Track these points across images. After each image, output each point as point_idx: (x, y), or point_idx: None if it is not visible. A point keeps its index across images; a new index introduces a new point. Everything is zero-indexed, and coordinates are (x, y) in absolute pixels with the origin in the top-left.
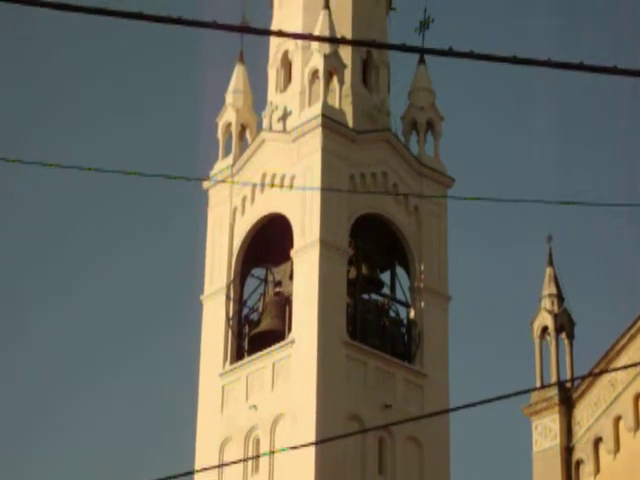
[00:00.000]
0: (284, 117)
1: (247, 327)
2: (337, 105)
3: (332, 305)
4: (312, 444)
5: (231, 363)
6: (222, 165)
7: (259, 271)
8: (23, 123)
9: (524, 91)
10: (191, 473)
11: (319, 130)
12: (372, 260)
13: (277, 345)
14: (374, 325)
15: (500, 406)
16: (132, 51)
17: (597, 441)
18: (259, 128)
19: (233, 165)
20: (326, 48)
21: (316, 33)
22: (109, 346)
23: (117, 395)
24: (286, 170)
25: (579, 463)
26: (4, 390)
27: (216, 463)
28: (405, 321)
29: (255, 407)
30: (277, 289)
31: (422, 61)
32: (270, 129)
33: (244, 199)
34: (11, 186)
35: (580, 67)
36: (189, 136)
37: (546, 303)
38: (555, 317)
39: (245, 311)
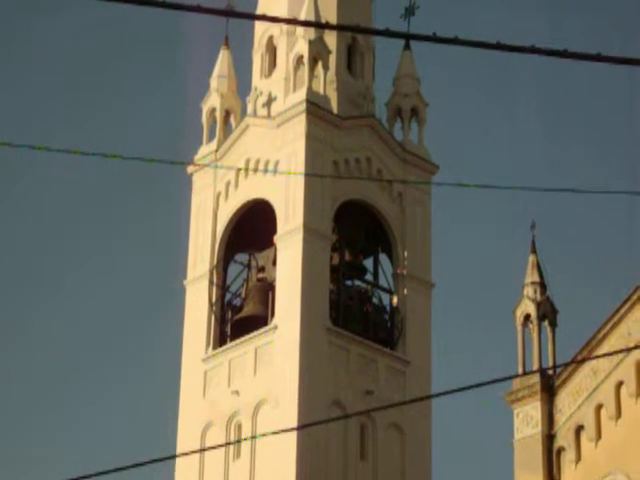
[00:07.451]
0: (268, 102)
1: (230, 312)
2: (322, 91)
3: (315, 291)
4: (294, 429)
5: (214, 348)
6: (206, 150)
7: (242, 256)
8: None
9: (509, 78)
10: (173, 457)
11: (303, 116)
12: (355, 246)
13: (260, 331)
14: (357, 311)
15: (482, 393)
16: (116, 35)
17: (579, 429)
18: (243, 113)
19: (217, 150)
20: (311, 34)
21: (301, 18)
22: (92, 331)
23: (99, 380)
24: (270, 155)
25: (560, 451)
26: None
27: (198, 448)
28: (388, 308)
29: (237, 392)
30: (260, 275)
31: (407, 47)
32: (254, 114)
33: (228, 184)
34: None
35: (564, 54)
36: (173, 121)
37: (529, 291)
38: (538, 305)
39: (228, 296)
